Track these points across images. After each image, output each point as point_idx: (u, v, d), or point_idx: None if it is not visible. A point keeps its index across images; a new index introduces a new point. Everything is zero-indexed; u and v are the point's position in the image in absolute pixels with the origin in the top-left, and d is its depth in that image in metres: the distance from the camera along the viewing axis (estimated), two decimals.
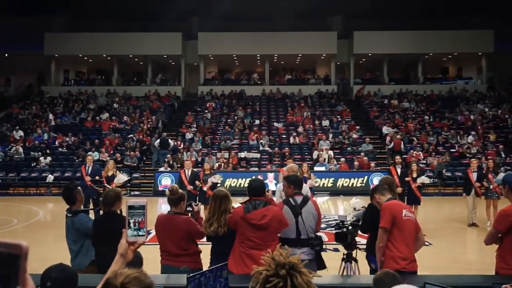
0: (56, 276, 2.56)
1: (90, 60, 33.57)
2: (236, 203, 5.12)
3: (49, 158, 22.49)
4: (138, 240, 2.16)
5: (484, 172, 12.83)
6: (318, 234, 5.23)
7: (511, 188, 4.49)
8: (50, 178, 21.13)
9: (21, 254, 1.06)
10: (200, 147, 23.44)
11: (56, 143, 24.39)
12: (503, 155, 22.00)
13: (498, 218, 4.52)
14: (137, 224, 2.16)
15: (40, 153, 22.97)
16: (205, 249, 5.19)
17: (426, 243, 10.22)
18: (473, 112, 27.53)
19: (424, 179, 12.50)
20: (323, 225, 9.97)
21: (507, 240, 4.40)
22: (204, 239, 5.10)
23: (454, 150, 23.40)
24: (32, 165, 22.26)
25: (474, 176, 12.54)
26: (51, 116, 26.72)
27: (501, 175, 11.57)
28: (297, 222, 5.08)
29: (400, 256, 4.57)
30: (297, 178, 5.53)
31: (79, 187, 5.69)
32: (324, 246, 5.34)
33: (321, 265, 5.19)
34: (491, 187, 12.14)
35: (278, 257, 1.62)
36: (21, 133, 24.85)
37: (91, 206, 6.09)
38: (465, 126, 25.92)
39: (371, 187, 5.13)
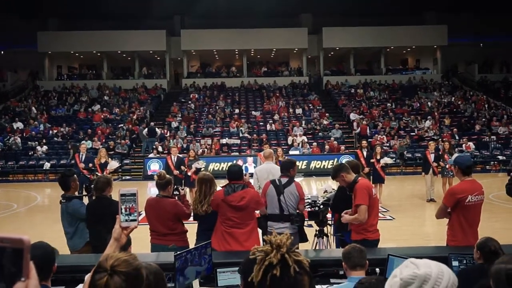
0: (37, 254, 2.48)
1: (82, 56, 33.07)
2: (219, 186, 5.12)
3: (45, 147, 22.12)
4: (130, 225, 2.16)
5: (440, 153, 12.99)
6: (300, 212, 5.32)
7: (460, 168, 4.61)
8: (47, 165, 20.83)
9: (24, 248, 1.03)
10: (185, 134, 23.30)
11: (51, 133, 24.01)
12: (457, 138, 22.31)
13: (446, 195, 4.66)
14: (128, 209, 2.16)
15: (37, 142, 22.59)
16: (191, 228, 5.19)
17: (389, 218, 10.39)
18: (430, 99, 27.85)
19: (387, 160, 12.62)
20: None
21: (454, 215, 4.53)
22: (191, 218, 5.11)
23: (414, 133, 23.65)
24: (30, 153, 21.88)
25: (431, 157, 12.69)
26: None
27: (455, 155, 11.80)
28: (279, 200, 5.22)
29: (367, 228, 4.72)
30: (284, 162, 5.61)
31: (75, 175, 5.62)
32: (306, 223, 5.42)
33: (303, 238, 5.39)
34: (446, 166, 12.31)
35: (274, 239, 1.52)
36: (19, 124, 24.40)
37: (84, 192, 6.00)
38: (423, 112, 26.20)
39: (335, 167, 5.06)
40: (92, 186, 5.44)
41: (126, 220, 2.15)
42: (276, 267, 1.43)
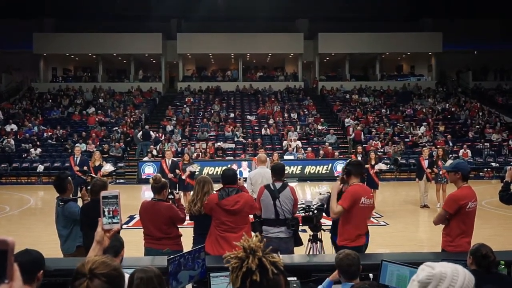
0: (21, 260, 2.44)
1: (77, 59, 32.99)
2: (213, 190, 5.12)
3: (39, 150, 22.02)
4: (113, 227, 2.14)
5: (434, 159, 13.04)
6: (295, 215, 5.33)
7: (463, 174, 4.57)
8: (40, 168, 20.70)
9: (8, 249, 1.02)
10: (180, 138, 23.28)
11: (45, 135, 23.90)
12: (450, 144, 22.41)
13: (447, 202, 4.59)
14: (111, 212, 2.14)
15: (30, 144, 22.48)
16: (185, 232, 5.19)
17: (383, 223, 10.42)
18: (425, 105, 27.97)
19: (381, 166, 12.65)
20: None
21: (454, 221, 4.51)
22: (186, 223, 5.11)
23: (408, 139, 23.72)
24: (23, 156, 21.78)
25: (425, 163, 12.75)
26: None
27: (450, 162, 11.84)
28: (275, 205, 5.20)
29: (348, 237, 4.59)
30: (276, 167, 5.57)
31: (69, 177, 5.61)
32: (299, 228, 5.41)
33: (298, 242, 5.37)
34: (440, 172, 12.35)
35: (247, 244, 1.53)
36: (13, 126, 24.27)
37: (79, 194, 5.98)
38: (417, 118, 26.31)
39: (359, 162, 5.23)
40: (88, 188, 5.43)
41: (109, 223, 2.13)
42: (255, 272, 1.43)
